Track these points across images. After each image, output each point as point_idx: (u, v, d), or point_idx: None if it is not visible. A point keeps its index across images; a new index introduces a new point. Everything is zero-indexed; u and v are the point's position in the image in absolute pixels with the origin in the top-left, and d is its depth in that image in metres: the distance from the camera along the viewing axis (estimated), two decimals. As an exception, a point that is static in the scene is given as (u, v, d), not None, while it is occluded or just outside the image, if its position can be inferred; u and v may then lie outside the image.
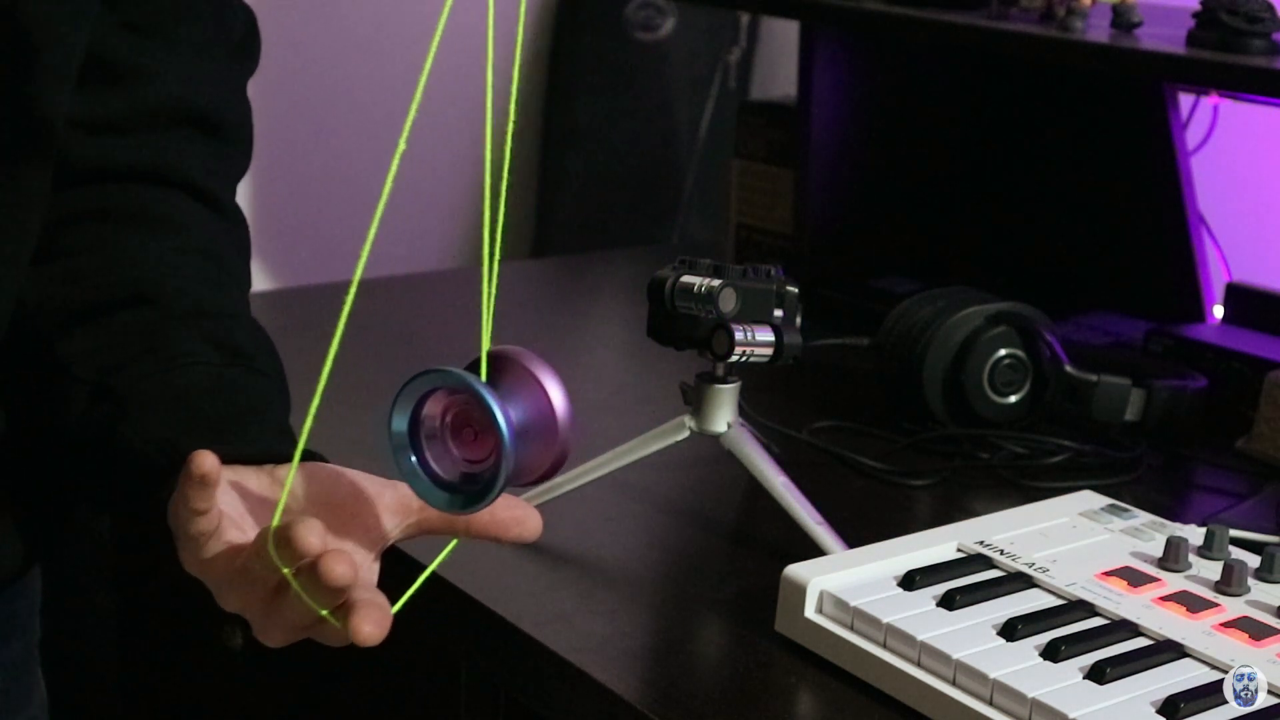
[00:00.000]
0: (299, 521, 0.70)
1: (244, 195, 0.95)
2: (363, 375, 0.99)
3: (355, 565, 0.70)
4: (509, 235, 2.33)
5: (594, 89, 2.28)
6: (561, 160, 2.29)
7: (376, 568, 0.78)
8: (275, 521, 0.72)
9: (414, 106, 0.68)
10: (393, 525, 0.78)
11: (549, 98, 2.30)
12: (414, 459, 0.74)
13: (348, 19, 2.18)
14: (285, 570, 0.71)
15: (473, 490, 0.74)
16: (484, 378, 0.72)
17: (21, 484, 0.89)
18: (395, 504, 0.78)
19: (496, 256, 0.71)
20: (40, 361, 0.84)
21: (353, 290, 0.69)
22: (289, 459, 0.76)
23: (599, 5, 2.26)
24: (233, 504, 0.77)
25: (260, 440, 0.80)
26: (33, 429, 0.86)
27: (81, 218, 0.87)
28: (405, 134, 0.68)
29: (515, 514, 0.78)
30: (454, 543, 0.79)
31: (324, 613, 0.72)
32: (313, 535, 0.69)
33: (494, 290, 0.71)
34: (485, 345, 0.72)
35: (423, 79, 0.67)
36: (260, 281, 2.08)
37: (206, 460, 0.71)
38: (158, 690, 1.49)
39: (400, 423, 0.73)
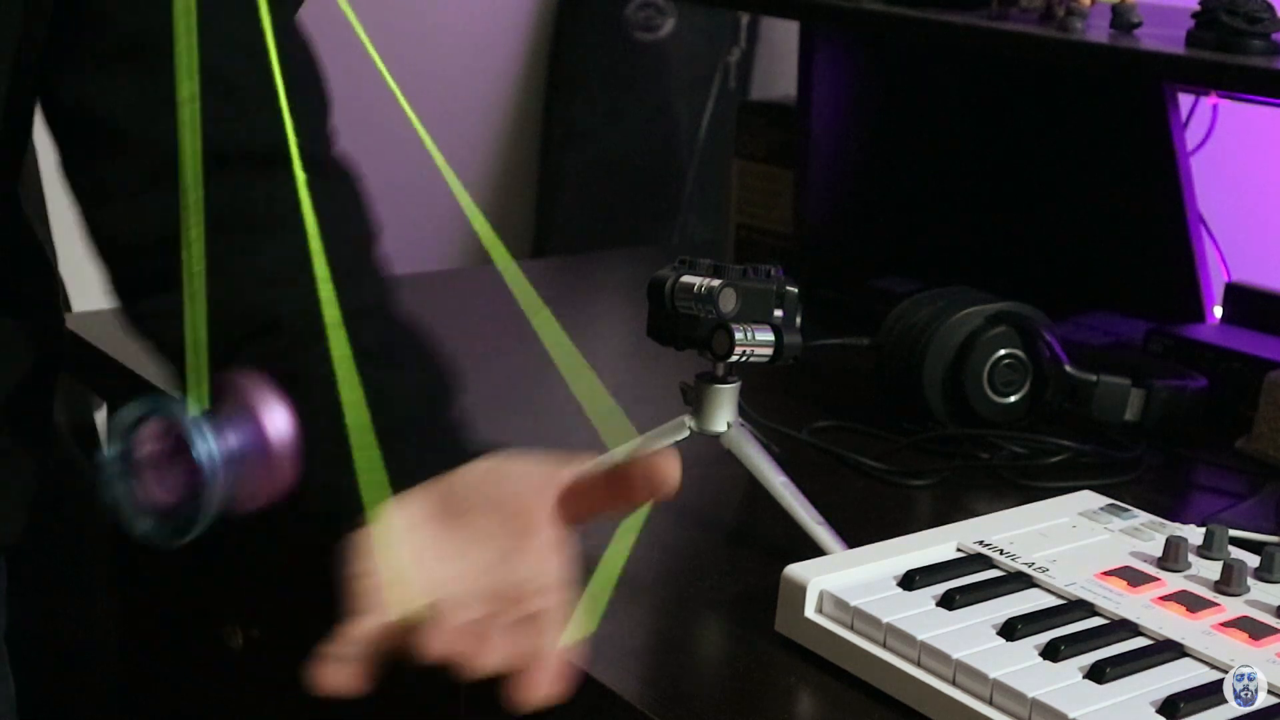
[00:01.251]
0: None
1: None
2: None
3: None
4: (509, 235, 2.33)
5: (594, 89, 2.28)
6: (561, 160, 2.29)
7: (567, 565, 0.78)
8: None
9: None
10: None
11: (549, 98, 2.30)
12: (125, 486, 0.72)
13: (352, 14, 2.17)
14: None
15: (180, 520, 0.71)
16: (205, 403, 0.70)
17: None
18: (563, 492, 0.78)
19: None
20: None
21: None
22: (465, 457, 0.78)
23: (599, 5, 2.26)
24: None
25: (421, 467, 0.79)
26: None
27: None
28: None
29: (647, 469, 0.76)
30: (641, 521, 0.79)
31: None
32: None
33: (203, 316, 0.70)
34: (203, 371, 0.71)
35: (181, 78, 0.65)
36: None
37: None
38: (158, 690, 1.49)
39: (111, 450, 0.72)
